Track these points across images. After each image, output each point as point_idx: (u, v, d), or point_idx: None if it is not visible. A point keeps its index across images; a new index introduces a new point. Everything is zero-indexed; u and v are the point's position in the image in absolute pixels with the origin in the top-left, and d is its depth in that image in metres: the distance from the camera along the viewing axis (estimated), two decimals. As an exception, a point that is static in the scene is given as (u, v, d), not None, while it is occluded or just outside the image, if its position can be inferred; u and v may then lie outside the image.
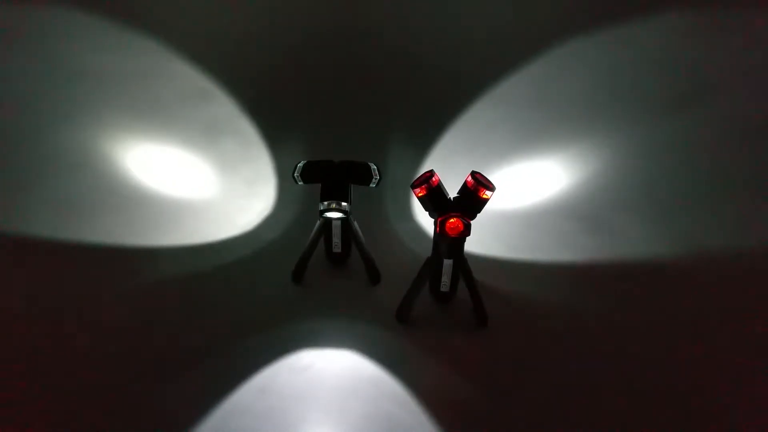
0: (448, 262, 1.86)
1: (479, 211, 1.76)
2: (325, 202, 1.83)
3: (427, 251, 1.91)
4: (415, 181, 1.78)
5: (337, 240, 2.02)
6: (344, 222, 1.95)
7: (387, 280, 1.99)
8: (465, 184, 1.76)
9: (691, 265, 2.16)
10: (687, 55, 2.50)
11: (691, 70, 2.50)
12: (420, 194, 1.74)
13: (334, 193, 1.84)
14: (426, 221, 2.31)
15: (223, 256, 2.06)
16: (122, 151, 2.40)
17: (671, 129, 2.50)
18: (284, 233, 2.23)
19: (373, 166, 1.92)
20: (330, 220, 1.94)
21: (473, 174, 1.75)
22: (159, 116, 2.45)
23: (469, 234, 1.70)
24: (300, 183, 1.92)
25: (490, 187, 1.73)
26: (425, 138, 2.46)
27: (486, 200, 1.74)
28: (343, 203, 1.84)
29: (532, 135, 2.49)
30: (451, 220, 1.69)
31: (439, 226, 1.70)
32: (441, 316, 1.90)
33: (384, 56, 2.51)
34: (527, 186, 2.42)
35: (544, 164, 2.47)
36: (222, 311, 1.92)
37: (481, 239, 2.15)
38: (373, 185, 1.92)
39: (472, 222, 1.72)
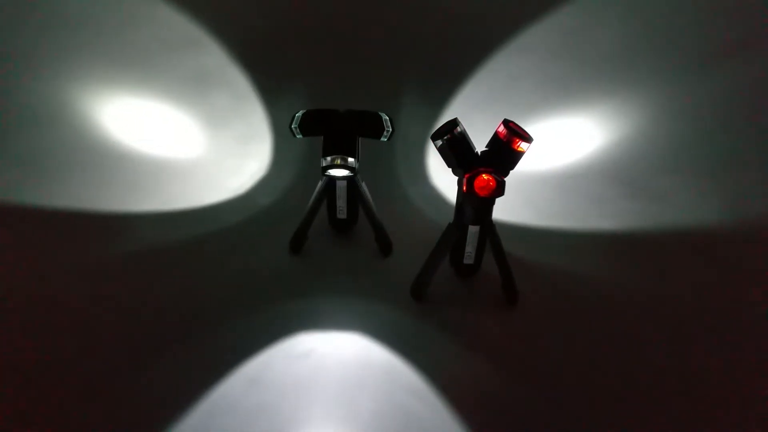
0: (473, 230, 1.57)
1: (513, 167, 1.46)
2: (329, 158, 1.54)
3: (445, 217, 1.66)
4: (437, 131, 1.48)
5: (342, 203, 1.73)
6: (350, 182, 1.67)
7: (400, 251, 1.81)
8: (496, 134, 1.47)
9: (744, 233, 1.92)
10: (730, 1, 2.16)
11: (738, 17, 2.18)
12: (442, 146, 1.44)
13: (339, 147, 1.54)
14: (444, 183, 2.06)
15: (210, 223, 1.87)
16: (97, 104, 2.13)
17: (715, 82, 2.23)
18: (281, 197, 1.98)
19: (385, 117, 1.62)
20: (334, 179, 1.65)
21: (506, 123, 1.45)
22: (140, 66, 2.18)
23: (502, 193, 1.41)
24: (299, 136, 1.62)
25: (527, 138, 1.43)
26: (441, 90, 2.20)
27: (521, 153, 1.45)
28: (350, 159, 1.54)
29: (561, 89, 2.23)
30: (482, 176, 1.39)
31: (467, 184, 1.40)
32: (463, 292, 1.70)
33: (395, 2, 2.18)
34: (558, 145, 2.15)
35: (575, 121, 2.19)
36: (208, 287, 1.68)
37: (508, 204, 1.87)
38: (384, 139, 1.62)
39: (505, 179, 1.42)
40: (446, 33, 2.20)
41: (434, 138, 1.49)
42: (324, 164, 1.55)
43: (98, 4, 2.17)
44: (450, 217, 1.62)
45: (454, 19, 2.20)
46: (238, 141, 2.11)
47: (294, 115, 1.63)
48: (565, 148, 2.16)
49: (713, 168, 2.11)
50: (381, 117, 1.62)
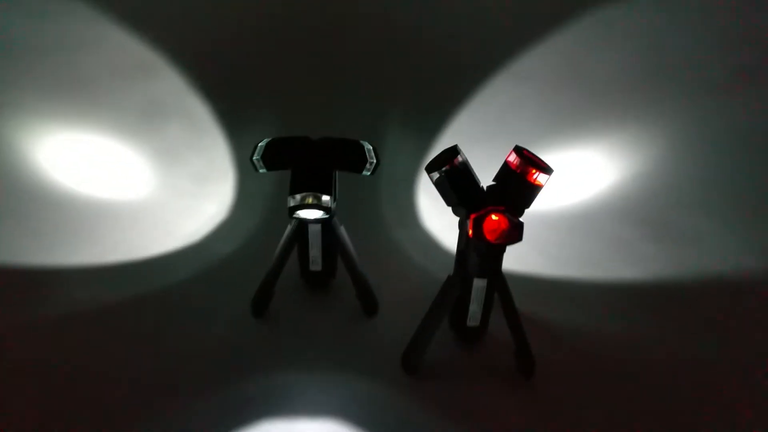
0: (479, 284, 1.26)
1: (529, 205, 1.16)
2: (298, 196, 1.22)
3: (443, 268, 1.39)
4: (433, 161, 1.18)
5: (315, 252, 1.41)
6: (325, 226, 1.37)
7: (388, 311, 1.52)
8: (506, 165, 1.18)
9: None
10: (749, 19, 1.94)
11: (757, 37, 1.95)
12: (439, 179, 1.14)
13: (311, 183, 1.24)
14: (440, 227, 1.79)
15: (156, 278, 1.57)
16: (31, 140, 1.85)
17: (740, 109, 1.99)
18: (244, 245, 1.69)
19: (368, 146, 1.33)
20: (305, 223, 1.33)
21: (518, 150, 1.16)
22: (85, 96, 1.89)
23: (519, 238, 1.10)
24: (262, 170, 1.32)
25: (545, 168, 1.14)
26: (433, 118, 1.95)
27: (539, 188, 1.15)
28: (324, 197, 1.23)
29: (566, 118, 2.00)
30: (492, 217, 1.08)
31: (473, 226, 1.09)
32: (468, 361, 1.40)
33: (378, 18, 1.91)
34: (566, 181, 1.85)
35: (583, 154, 1.94)
36: (149, 360, 1.35)
37: (513, 250, 1.55)
38: (367, 173, 1.32)
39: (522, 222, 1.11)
40: (438, 55, 1.95)
41: (430, 170, 1.19)
42: (292, 204, 1.23)
43: (40, 26, 1.88)
44: (448, 269, 1.34)
45: (446, 40, 1.95)
46: (194, 179, 1.81)
47: (256, 145, 1.34)
48: (574, 184, 1.88)
49: (746, 204, 1.87)
50: (363, 146, 1.33)
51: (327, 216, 1.26)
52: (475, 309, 1.34)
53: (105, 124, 1.89)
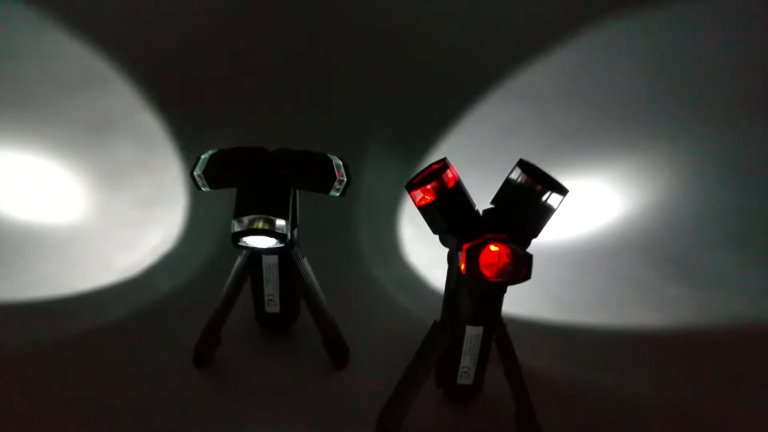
0: (473, 332, 1.02)
1: (537, 233, 0.91)
2: (245, 219, 0.97)
3: (428, 313, 1.14)
4: (416, 178, 0.93)
5: (272, 290, 1.17)
6: (284, 258, 1.12)
7: (361, 362, 1.27)
8: (508, 183, 0.93)
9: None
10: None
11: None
12: (424, 201, 0.90)
13: (261, 203, 0.98)
14: (426, 261, 1.56)
15: (86, 317, 1.33)
16: None
17: (764, 135, 1.78)
18: (190, 282, 1.45)
19: (337, 161, 1.10)
20: (257, 254, 1.07)
21: (523, 165, 0.92)
22: (21, 109, 1.65)
23: (527, 276, 0.85)
24: (206, 188, 1.06)
25: (557, 187, 0.90)
26: (418, 139, 1.72)
27: (549, 211, 0.90)
28: (279, 221, 0.98)
29: (566, 142, 1.79)
30: (491, 248, 0.83)
31: (466, 259, 0.84)
32: (457, 426, 1.14)
33: (361, 23, 1.69)
34: (569, 211, 1.60)
35: (587, 182, 1.71)
36: (72, 412, 1.10)
37: (513, 291, 1.30)
38: (335, 193, 1.07)
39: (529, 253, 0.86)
40: (428, 67, 1.73)
41: (412, 188, 0.94)
42: (237, 229, 0.98)
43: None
44: (435, 313, 1.06)
45: (438, 50, 1.74)
46: (139, 204, 1.57)
47: (198, 158, 1.08)
48: (578, 215, 1.64)
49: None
50: (330, 161, 1.09)
51: (282, 245, 0.99)
52: (467, 363, 1.08)
53: (42, 139, 1.66)
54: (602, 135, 1.79)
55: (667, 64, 1.77)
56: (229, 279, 1.15)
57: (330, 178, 1.07)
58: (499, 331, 1.04)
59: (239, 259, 1.15)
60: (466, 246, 0.87)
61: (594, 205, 1.73)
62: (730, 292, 1.48)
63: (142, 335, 1.29)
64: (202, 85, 1.68)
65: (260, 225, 0.98)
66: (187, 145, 1.65)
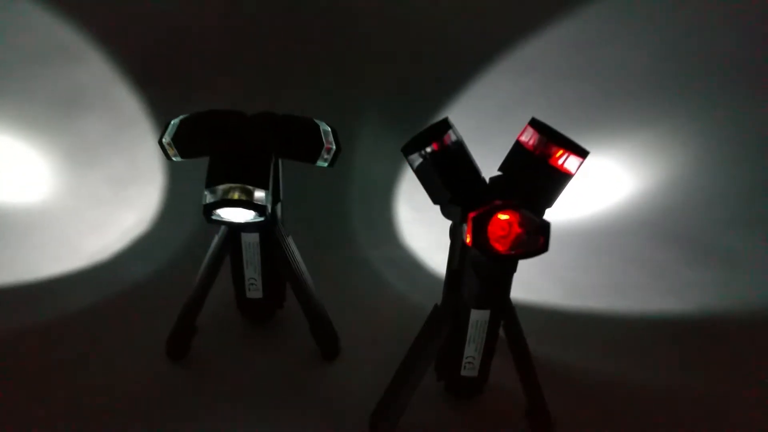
0: (479, 317, 0.90)
1: (553, 201, 0.80)
2: (219, 188, 0.84)
3: (428, 297, 1.04)
4: (413, 139, 0.81)
5: (253, 273, 1.05)
6: (266, 235, 1.00)
7: (353, 353, 1.15)
8: (518, 146, 0.81)
9: None
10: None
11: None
12: (422, 165, 0.78)
13: (237, 171, 0.85)
14: (425, 244, 1.46)
15: (51, 305, 1.21)
16: None
17: None
18: (166, 266, 1.33)
19: (325, 127, 0.97)
20: (236, 230, 0.96)
21: (535, 124, 0.80)
22: None
23: (544, 247, 0.73)
24: (177, 158, 0.95)
25: (575, 149, 0.78)
26: (416, 115, 1.59)
27: (567, 176, 0.78)
28: (258, 192, 0.85)
29: (572, 118, 1.66)
30: (500, 216, 0.71)
31: (472, 229, 0.72)
32: (462, 424, 1.02)
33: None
34: (577, 190, 1.50)
35: (594, 160, 1.57)
36: (36, 408, 0.98)
37: (520, 275, 1.19)
38: (323, 163, 0.96)
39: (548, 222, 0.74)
40: (428, 39, 1.60)
41: (409, 151, 0.82)
42: (209, 200, 0.85)
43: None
44: (435, 299, 0.96)
45: (436, 24, 1.61)
46: (111, 183, 1.45)
47: (168, 123, 0.96)
48: (586, 194, 1.53)
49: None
50: (317, 126, 0.96)
51: (262, 219, 0.87)
52: (471, 352, 0.96)
53: (7, 115, 1.53)
54: (612, 110, 1.67)
55: (683, 38, 1.65)
56: (205, 260, 1.03)
57: (317, 145, 0.95)
58: (508, 316, 0.92)
59: (216, 238, 1.03)
60: (471, 215, 0.75)
61: (603, 183, 1.62)
62: (751, 274, 1.37)
63: (111, 326, 1.16)
64: (182, 57, 1.56)
65: (236, 195, 0.86)
66: (164, 120, 1.52)
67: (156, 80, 1.54)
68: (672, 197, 1.59)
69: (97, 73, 1.54)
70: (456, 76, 1.62)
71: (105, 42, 1.53)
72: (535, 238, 0.74)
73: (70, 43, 1.52)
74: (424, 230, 1.46)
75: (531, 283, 1.31)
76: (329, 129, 0.99)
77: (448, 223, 0.90)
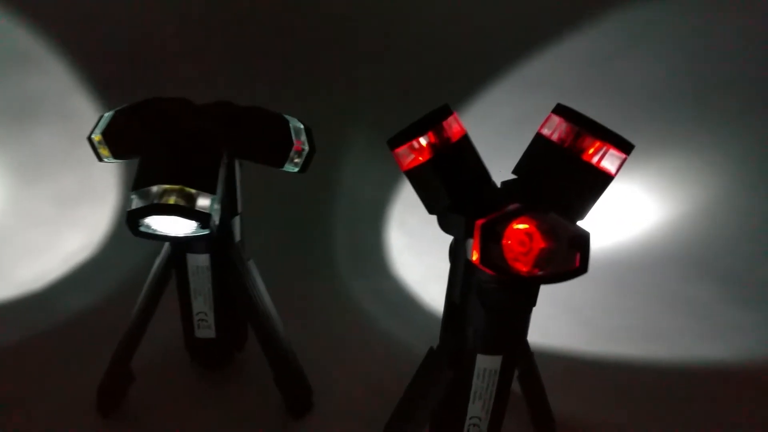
0: (487, 363, 0.68)
1: (588, 208, 0.60)
2: (151, 190, 0.64)
3: (423, 338, 0.84)
4: (404, 131, 0.61)
5: (203, 307, 0.83)
6: (219, 256, 0.80)
7: (328, 409, 0.93)
8: (540, 140, 0.62)
9: None
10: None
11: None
12: (416, 163, 0.58)
13: (176, 170, 0.66)
14: (419, 275, 1.27)
15: None
16: None
17: None
18: (110, 298, 1.12)
19: (297, 123, 0.79)
20: (178, 247, 0.76)
21: (564, 110, 0.60)
22: None
23: (581, 268, 0.52)
24: (108, 159, 0.75)
25: (615, 142, 0.58)
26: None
27: (604, 177, 0.58)
28: (203, 197, 0.65)
29: None
30: (514, 225, 0.51)
31: (481, 241, 0.51)
32: None
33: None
34: (596, 219, 1.30)
35: (615, 185, 1.37)
36: None
37: (532, 316, 0.98)
38: (292, 167, 0.76)
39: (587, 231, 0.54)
40: (429, 50, 1.45)
41: (396, 143, 0.63)
42: (135, 205, 0.65)
43: None
44: (431, 338, 0.74)
45: (441, 31, 1.45)
46: (58, 202, 1.26)
47: (100, 117, 0.77)
48: (607, 223, 1.34)
49: None
50: (287, 123, 0.77)
51: (206, 232, 0.67)
52: (477, 411, 0.75)
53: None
54: (631, 130, 1.47)
55: (709, 50, 1.50)
56: (144, 288, 0.83)
57: (284, 144, 0.76)
58: (525, 364, 0.71)
59: (157, 261, 0.82)
60: (480, 222, 0.55)
61: (626, 210, 1.43)
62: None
63: (36, 369, 0.95)
64: (148, 63, 1.40)
65: (173, 200, 0.66)
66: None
67: (118, 89, 1.38)
68: (704, 226, 1.40)
69: (54, 81, 1.38)
70: (462, 89, 1.47)
71: (63, 47, 1.38)
72: (569, 254, 0.53)
73: (25, 49, 1.37)
74: (418, 259, 1.27)
75: (546, 326, 1.10)
76: (301, 126, 0.80)
77: (447, 251, 0.70)
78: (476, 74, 1.48)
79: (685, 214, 1.41)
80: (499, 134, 1.43)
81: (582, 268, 0.54)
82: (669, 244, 1.36)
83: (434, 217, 0.66)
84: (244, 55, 1.37)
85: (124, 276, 1.14)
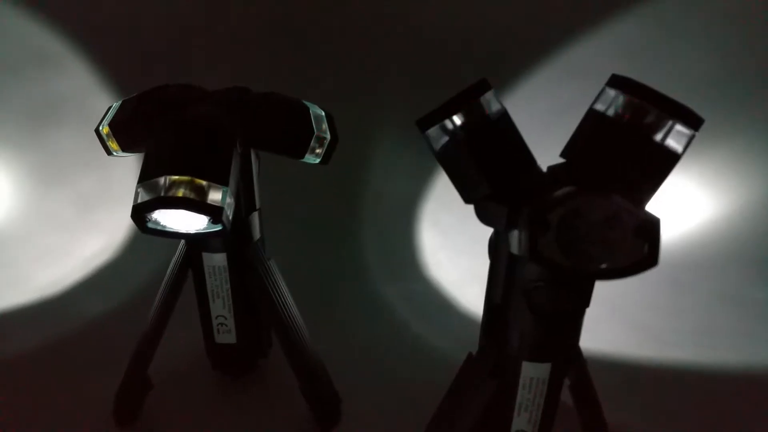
0: (534, 372, 0.61)
1: (649, 197, 0.51)
2: (158, 182, 0.59)
3: (456, 346, 0.82)
4: (434, 111, 0.54)
5: (222, 310, 0.77)
6: (237, 255, 0.75)
7: (358, 421, 0.86)
8: (593, 114, 0.53)
9: None
10: None
11: None
12: (449, 144, 0.51)
13: (185, 161, 0.60)
14: (456, 278, 1.18)
15: None
16: None
17: None
18: (129, 303, 1.08)
19: (318, 110, 0.72)
20: (192, 245, 0.71)
21: (621, 82, 0.52)
22: None
23: (651, 260, 0.44)
24: (117, 153, 0.70)
25: (683, 116, 0.49)
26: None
27: (669, 155, 0.50)
28: (215, 190, 0.59)
29: None
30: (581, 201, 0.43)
31: (530, 231, 0.43)
32: None
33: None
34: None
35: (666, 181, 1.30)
36: None
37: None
38: (313, 159, 0.70)
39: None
40: (464, 39, 1.37)
41: (427, 124, 0.55)
42: (141, 198, 0.59)
43: None
44: (470, 344, 0.67)
45: (476, 20, 1.37)
46: (78, 205, 1.23)
47: (109, 108, 0.72)
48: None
49: None
50: (307, 110, 0.71)
51: (219, 228, 0.61)
52: (523, 425, 0.67)
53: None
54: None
55: (761, 36, 1.39)
56: (160, 290, 0.77)
57: (304, 133, 0.70)
58: (577, 372, 0.63)
59: (173, 261, 0.77)
60: (527, 208, 0.47)
61: (676, 205, 1.33)
62: None
63: (53, 376, 0.91)
64: (168, 66, 1.36)
65: (182, 192, 0.60)
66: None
67: (139, 90, 1.35)
68: (764, 222, 1.29)
69: (76, 83, 1.36)
70: (498, 79, 1.38)
71: (85, 49, 1.36)
72: (635, 244, 0.45)
73: (47, 50, 1.35)
74: (453, 259, 1.19)
75: (594, 329, 1.01)
76: (323, 114, 0.73)
77: (486, 251, 0.63)
78: (512, 64, 1.40)
79: (742, 210, 1.31)
80: (535, 126, 1.35)
81: (651, 260, 0.46)
82: (725, 242, 1.25)
83: (472, 215, 0.59)
84: (270, 47, 1.32)
85: (144, 280, 1.10)
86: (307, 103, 0.73)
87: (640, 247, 0.46)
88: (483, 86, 0.56)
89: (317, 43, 1.31)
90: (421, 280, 1.19)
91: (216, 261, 0.74)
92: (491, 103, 0.56)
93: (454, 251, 1.20)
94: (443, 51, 1.34)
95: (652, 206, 0.59)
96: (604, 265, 0.47)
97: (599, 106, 0.57)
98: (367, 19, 1.30)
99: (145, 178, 0.60)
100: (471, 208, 0.60)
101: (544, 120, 1.35)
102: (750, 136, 1.38)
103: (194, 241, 0.73)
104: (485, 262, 0.63)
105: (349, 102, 1.22)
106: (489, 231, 0.64)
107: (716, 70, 1.39)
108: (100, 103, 1.37)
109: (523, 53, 1.39)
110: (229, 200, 0.61)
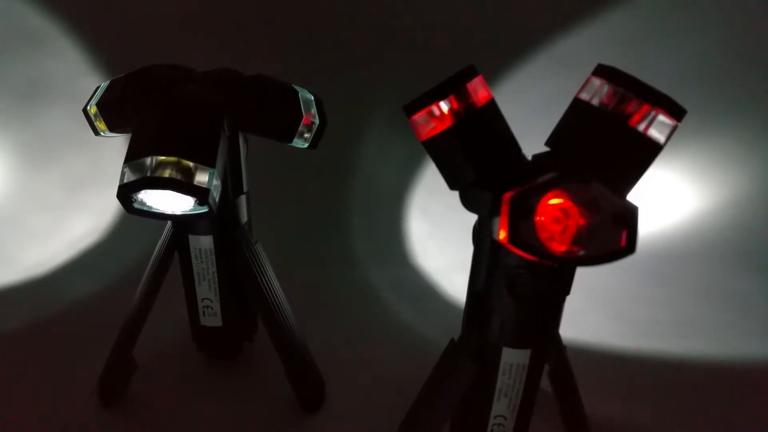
0: (514, 358, 0.62)
1: (631, 185, 0.52)
2: (145, 161, 0.59)
3: (440, 331, 0.79)
4: (421, 96, 0.54)
5: (208, 293, 0.77)
6: (223, 237, 0.75)
7: (342, 404, 0.87)
8: (577, 104, 0.54)
9: None
10: None
11: None
12: (437, 131, 0.51)
13: (173, 141, 0.60)
14: (442, 265, 1.18)
15: None
16: None
17: None
18: (116, 284, 1.07)
19: (307, 94, 0.72)
20: (179, 227, 0.71)
21: (607, 71, 0.53)
22: None
23: (628, 248, 0.45)
24: (104, 133, 0.70)
25: (665, 105, 0.50)
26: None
27: (651, 146, 0.50)
28: (202, 171, 0.59)
29: None
30: (549, 198, 0.43)
31: (510, 217, 0.44)
32: None
33: None
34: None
35: (650, 170, 1.30)
36: None
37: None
38: (302, 143, 0.70)
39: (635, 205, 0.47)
40: (453, 28, 1.37)
41: (414, 110, 0.56)
42: (128, 178, 0.59)
43: None
44: (452, 330, 0.68)
45: (465, 9, 1.36)
46: (67, 185, 1.21)
47: (97, 88, 0.72)
48: (642, 211, 1.24)
49: None
50: (296, 93, 0.71)
51: (205, 210, 0.61)
52: (502, 410, 0.68)
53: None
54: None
55: (751, 28, 1.39)
56: (146, 272, 0.77)
57: (293, 116, 0.70)
58: (556, 359, 0.64)
59: (159, 243, 0.77)
60: (508, 195, 0.48)
61: (662, 197, 1.34)
62: None
63: (37, 356, 0.91)
64: (160, 46, 1.35)
65: (168, 173, 0.60)
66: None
67: (130, 70, 1.34)
68: (747, 215, 1.31)
69: (66, 63, 1.34)
70: (488, 69, 1.38)
71: (76, 28, 1.34)
72: (614, 231, 0.46)
73: (37, 30, 1.33)
74: (440, 247, 1.19)
75: (577, 318, 1.02)
76: (311, 98, 0.73)
77: (470, 238, 0.63)
78: (502, 55, 1.40)
79: (726, 203, 1.32)
80: (525, 116, 1.36)
81: (629, 248, 0.46)
82: (709, 234, 1.27)
83: (459, 204, 0.59)
84: (263, 32, 1.32)
85: (132, 262, 1.09)
86: (297, 87, 0.73)
87: (618, 234, 0.47)
88: (470, 72, 0.56)
89: (306, 27, 1.30)
90: (408, 267, 1.19)
91: (202, 243, 0.74)
92: (478, 89, 0.57)
93: (441, 239, 1.20)
94: (433, 39, 1.34)
95: (636, 197, 0.59)
96: (582, 252, 0.47)
97: (584, 95, 0.58)
98: (358, 5, 1.30)
99: (132, 157, 0.60)
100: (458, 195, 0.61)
101: (532, 110, 1.35)
102: (736, 130, 1.39)
103: (181, 222, 0.74)
104: (470, 251, 0.64)
105: (338, 87, 1.22)
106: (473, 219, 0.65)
107: (704, 64, 1.39)
108: (90, 83, 1.34)
109: (515, 43, 1.39)
110: (216, 182, 0.62)
